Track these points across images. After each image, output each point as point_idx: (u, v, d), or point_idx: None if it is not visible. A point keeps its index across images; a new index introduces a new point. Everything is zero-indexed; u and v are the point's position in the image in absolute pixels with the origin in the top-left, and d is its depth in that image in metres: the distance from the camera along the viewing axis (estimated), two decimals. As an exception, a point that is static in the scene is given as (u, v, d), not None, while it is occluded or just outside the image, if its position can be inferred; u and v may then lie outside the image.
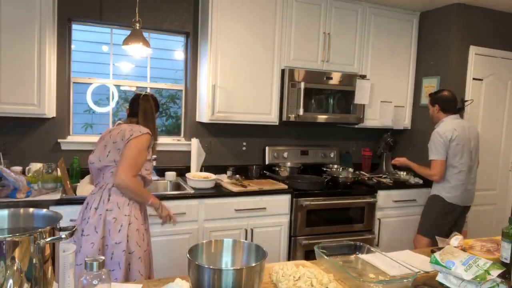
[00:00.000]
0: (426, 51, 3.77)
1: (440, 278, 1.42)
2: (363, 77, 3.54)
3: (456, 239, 1.78)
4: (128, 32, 2.97)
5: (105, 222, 1.94)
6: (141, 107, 2.13)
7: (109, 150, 2.03)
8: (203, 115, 3.21)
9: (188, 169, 3.35)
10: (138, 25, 2.89)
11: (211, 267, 1.13)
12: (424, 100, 3.74)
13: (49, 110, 2.79)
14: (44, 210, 1.13)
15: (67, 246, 1.16)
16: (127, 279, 1.93)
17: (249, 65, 3.21)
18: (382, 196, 3.39)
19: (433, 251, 1.68)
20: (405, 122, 3.88)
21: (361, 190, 3.36)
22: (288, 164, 3.60)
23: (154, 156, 2.31)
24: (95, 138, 3.19)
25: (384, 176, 3.73)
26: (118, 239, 1.92)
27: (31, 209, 1.13)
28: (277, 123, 3.37)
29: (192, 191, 2.87)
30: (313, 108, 3.39)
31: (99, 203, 1.98)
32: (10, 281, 0.93)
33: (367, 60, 3.63)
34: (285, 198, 3.09)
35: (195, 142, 3.34)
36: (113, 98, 3.34)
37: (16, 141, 2.96)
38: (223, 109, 3.16)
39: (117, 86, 3.35)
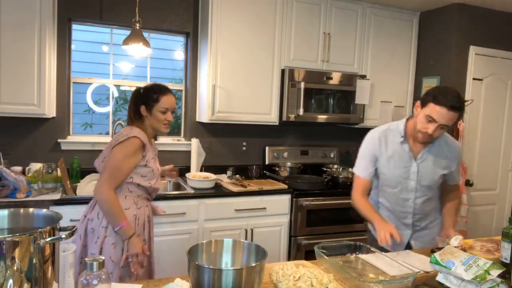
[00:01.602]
0: (426, 51, 3.77)
1: (440, 278, 1.42)
2: (363, 77, 3.54)
3: (456, 239, 1.78)
4: (128, 32, 2.97)
5: (86, 231, 1.89)
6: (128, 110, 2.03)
7: (104, 155, 1.96)
8: (203, 115, 3.21)
9: (188, 169, 3.35)
10: (138, 25, 2.89)
11: (211, 267, 1.13)
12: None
13: (49, 110, 2.79)
14: (44, 210, 1.13)
15: (67, 246, 1.16)
16: None
17: (249, 65, 3.20)
18: (382, 196, 3.38)
19: (433, 251, 1.68)
20: (405, 122, 3.87)
21: (361, 190, 3.35)
22: (288, 164, 3.59)
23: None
24: (95, 138, 3.22)
25: (384, 176, 3.73)
26: (93, 251, 1.86)
27: (31, 209, 1.13)
28: (277, 123, 3.37)
29: (192, 191, 2.87)
30: (313, 108, 3.39)
31: (88, 210, 1.94)
32: (10, 281, 0.93)
33: (367, 60, 3.63)
34: (285, 198, 3.08)
35: (195, 142, 3.34)
36: (113, 98, 3.34)
37: (16, 141, 2.96)
38: (223, 109, 3.16)
39: (117, 86, 3.35)
